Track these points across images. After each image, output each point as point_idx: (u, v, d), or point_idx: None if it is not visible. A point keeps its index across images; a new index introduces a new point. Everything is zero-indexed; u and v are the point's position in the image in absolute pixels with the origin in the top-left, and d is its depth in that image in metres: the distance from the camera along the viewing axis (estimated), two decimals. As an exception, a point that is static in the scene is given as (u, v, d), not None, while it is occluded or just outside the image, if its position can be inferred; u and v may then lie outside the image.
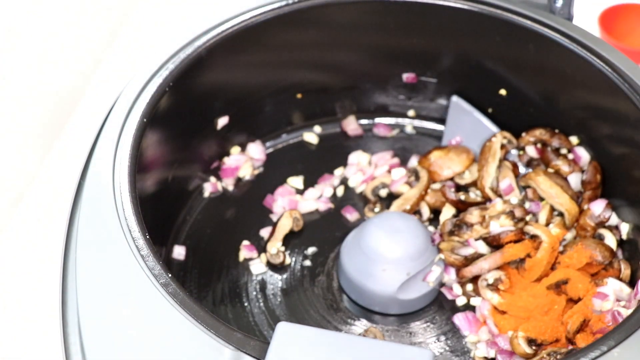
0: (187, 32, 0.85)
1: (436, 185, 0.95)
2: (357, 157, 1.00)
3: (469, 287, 0.84)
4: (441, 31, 0.93)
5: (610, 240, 0.82)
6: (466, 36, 0.92)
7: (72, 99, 1.12)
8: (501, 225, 0.84)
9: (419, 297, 0.84)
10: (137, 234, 0.66)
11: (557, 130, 0.90)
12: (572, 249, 0.80)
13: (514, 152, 0.93)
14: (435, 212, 0.93)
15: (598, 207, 0.84)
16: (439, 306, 0.85)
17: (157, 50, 0.83)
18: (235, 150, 0.99)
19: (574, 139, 0.90)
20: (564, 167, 0.88)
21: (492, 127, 0.94)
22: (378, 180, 0.96)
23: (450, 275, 0.85)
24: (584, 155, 0.88)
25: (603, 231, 0.83)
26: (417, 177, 0.94)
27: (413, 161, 0.99)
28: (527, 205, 0.87)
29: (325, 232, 0.92)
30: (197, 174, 0.95)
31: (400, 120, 1.05)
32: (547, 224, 0.85)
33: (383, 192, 0.96)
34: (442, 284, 0.86)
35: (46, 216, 0.98)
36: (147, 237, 0.66)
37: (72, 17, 1.12)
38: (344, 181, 0.98)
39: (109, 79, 1.17)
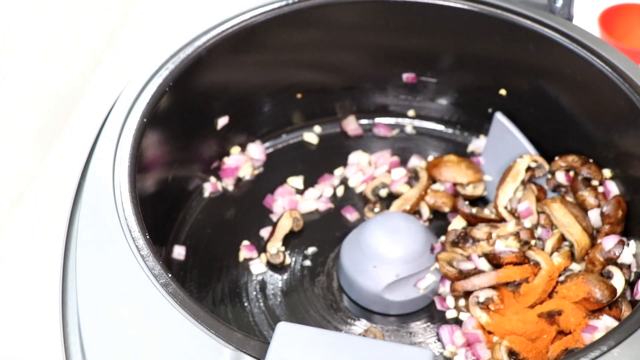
0: (187, 32, 0.85)
1: (437, 186, 0.95)
2: (357, 157, 1.00)
3: (463, 302, 0.83)
4: (441, 31, 0.93)
5: (618, 279, 0.77)
6: (466, 36, 0.92)
7: (72, 99, 1.12)
8: (506, 246, 0.82)
9: (407, 301, 0.83)
10: (137, 234, 0.66)
11: (591, 160, 0.86)
12: (572, 281, 0.77)
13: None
14: (436, 212, 0.93)
15: (609, 243, 0.79)
16: (436, 309, 0.85)
17: (157, 50, 0.83)
18: (235, 150, 0.99)
19: (607, 172, 0.85)
20: (590, 199, 0.83)
21: (531, 150, 0.91)
22: (378, 180, 0.96)
23: (446, 287, 0.84)
24: (613, 190, 0.84)
25: (612, 268, 0.78)
26: (417, 177, 0.95)
27: (413, 161, 0.99)
28: (538, 230, 0.84)
29: (325, 232, 0.92)
30: (197, 174, 0.95)
31: (400, 120, 1.05)
32: (553, 252, 0.82)
33: (383, 192, 0.96)
34: (437, 293, 0.85)
35: (46, 216, 0.98)
36: (147, 237, 0.66)
37: (72, 17, 1.12)
38: (344, 181, 0.98)
39: (109, 79, 1.17)
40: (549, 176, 0.89)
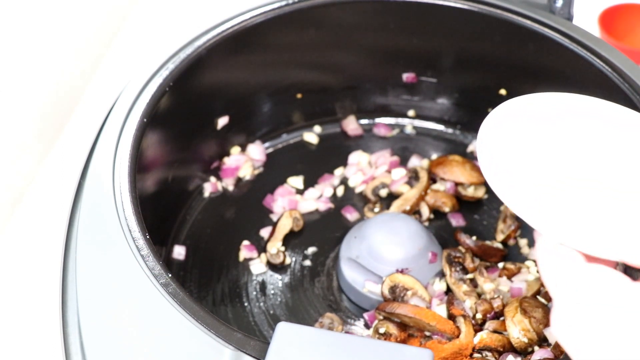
0: (187, 32, 0.85)
1: (437, 186, 0.95)
2: (357, 157, 1.00)
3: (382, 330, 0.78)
4: (441, 31, 0.93)
5: None
6: (466, 36, 0.92)
7: (72, 99, 1.12)
8: (470, 307, 0.79)
9: (351, 287, 0.84)
10: (137, 234, 0.66)
11: None
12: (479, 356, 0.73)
13: None
14: (436, 212, 0.93)
15: (537, 355, 0.71)
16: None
17: (157, 50, 0.83)
18: (235, 150, 0.99)
19: None
20: None
21: None
22: (378, 180, 0.96)
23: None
24: None
25: None
26: (417, 177, 0.95)
27: (413, 161, 0.99)
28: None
29: (325, 232, 0.92)
30: (197, 174, 0.95)
31: (400, 120, 1.05)
32: (486, 330, 0.77)
33: (383, 192, 0.96)
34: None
35: (46, 216, 0.98)
36: (147, 237, 0.66)
37: (72, 17, 1.12)
38: (344, 181, 0.98)
39: (109, 79, 1.17)
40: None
